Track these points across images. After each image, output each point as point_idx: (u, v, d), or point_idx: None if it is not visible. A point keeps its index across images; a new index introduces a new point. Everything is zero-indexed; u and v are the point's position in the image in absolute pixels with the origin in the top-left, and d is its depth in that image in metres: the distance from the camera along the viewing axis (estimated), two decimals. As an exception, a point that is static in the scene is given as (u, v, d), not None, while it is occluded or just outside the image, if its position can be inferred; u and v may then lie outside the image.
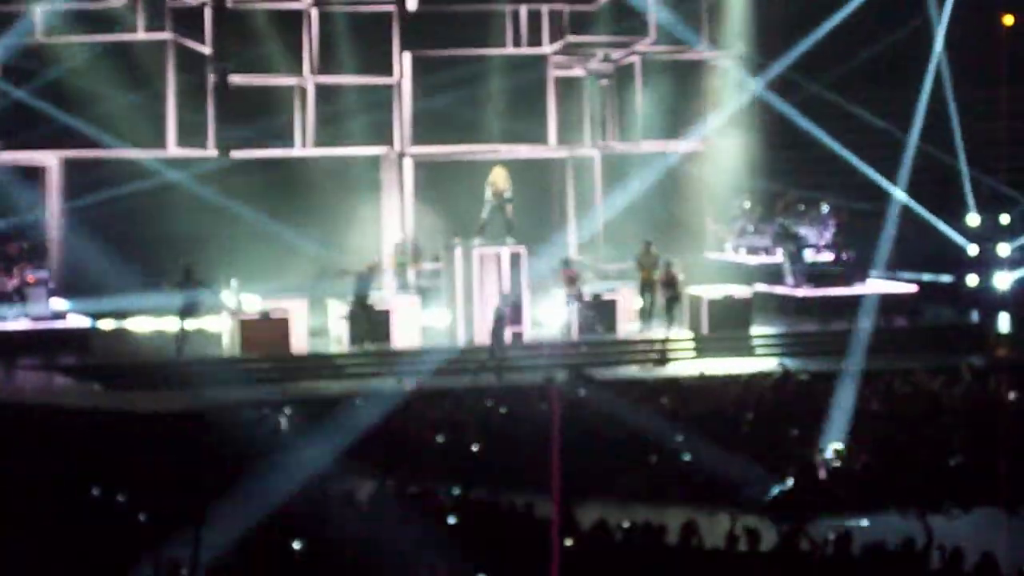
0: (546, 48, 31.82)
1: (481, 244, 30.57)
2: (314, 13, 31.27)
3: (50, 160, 32.09)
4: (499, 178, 30.63)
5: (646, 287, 31.47)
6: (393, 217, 33.38)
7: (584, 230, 34.68)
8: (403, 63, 32.00)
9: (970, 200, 34.92)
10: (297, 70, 31.30)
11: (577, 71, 33.78)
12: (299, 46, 31.21)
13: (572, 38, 31.92)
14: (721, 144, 35.76)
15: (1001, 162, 34.82)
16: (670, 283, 31.07)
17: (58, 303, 31.14)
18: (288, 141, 31.58)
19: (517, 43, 32.34)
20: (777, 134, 35.51)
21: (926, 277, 34.04)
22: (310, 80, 31.61)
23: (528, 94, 32.12)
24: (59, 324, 30.36)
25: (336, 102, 31.76)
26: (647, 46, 32.77)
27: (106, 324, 31.92)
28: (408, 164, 33.12)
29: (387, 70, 31.91)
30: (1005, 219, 34.54)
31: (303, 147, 31.94)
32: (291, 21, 31.28)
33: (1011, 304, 33.42)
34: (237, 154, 31.25)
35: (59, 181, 32.42)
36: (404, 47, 31.56)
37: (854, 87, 35.67)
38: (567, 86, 33.50)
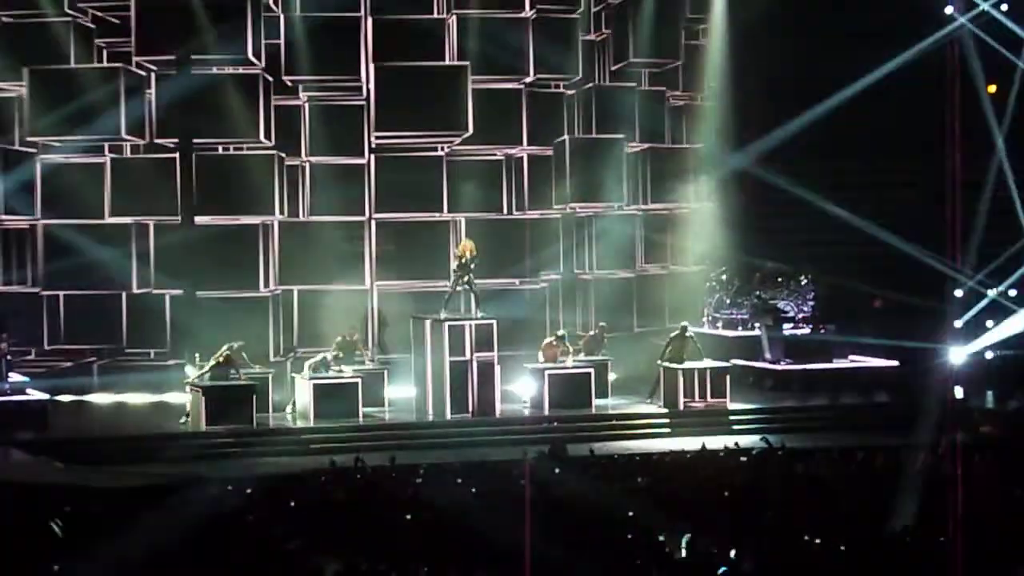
0: (441, 152, 34.49)
1: (448, 316, 30.20)
2: (307, 107, 33.97)
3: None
4: (466, 249, 30.61)
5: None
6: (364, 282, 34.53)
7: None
8: (370, 150, 34.35)
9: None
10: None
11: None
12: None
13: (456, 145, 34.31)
14: (698, 211, 36.10)
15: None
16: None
17: (15, 377, 30.62)
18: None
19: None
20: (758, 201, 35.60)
21: (909, 348, 33.54)
22: (307, 161, 34.09)
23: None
24: (17, 398, 29.69)
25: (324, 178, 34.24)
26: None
27: (65, 398, 31.43)
28: (374, 227, 34.54)
29: (360, 152, 34.33)
30: (991, 292, 34.15)
31: (304, 215, 34.11)
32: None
33: (995, 380, 32.96)
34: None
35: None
36: (371, 136, 33.99)
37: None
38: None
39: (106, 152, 33.55)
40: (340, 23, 33.49)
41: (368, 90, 33.71)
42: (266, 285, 33.02)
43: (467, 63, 33.10)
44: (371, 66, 33.43)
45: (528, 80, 34.35)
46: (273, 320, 33.01)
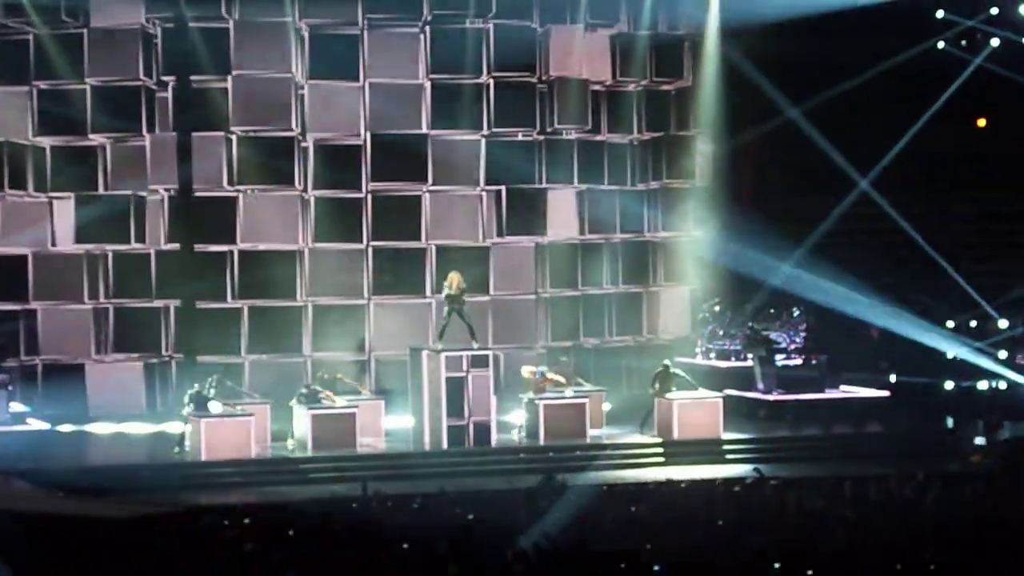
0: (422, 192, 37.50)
1: (443, 348, 30.42)
2: (311, 146, 36.82)
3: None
4: (453, 281, 31.01)
5: None
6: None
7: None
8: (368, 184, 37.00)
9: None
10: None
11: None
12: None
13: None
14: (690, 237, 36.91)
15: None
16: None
17: (17, 407, 30.82)
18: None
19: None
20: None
21: (901, 380, 33.87)
22: (312, 195, 36.71)
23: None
24: (18, 428, 29.88)
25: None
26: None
27: (66, 428, 31.63)
28: (370, 251, 36.82)
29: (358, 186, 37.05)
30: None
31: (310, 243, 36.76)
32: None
33: (986, 410, 33.19)
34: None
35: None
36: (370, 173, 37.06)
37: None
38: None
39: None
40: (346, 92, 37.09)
41: (365, 143, 36.78)
42: (300, 297, 36.14)
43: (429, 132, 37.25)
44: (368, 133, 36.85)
45: (486, 133, 37.27)
46: (303, 324, 36.31)
